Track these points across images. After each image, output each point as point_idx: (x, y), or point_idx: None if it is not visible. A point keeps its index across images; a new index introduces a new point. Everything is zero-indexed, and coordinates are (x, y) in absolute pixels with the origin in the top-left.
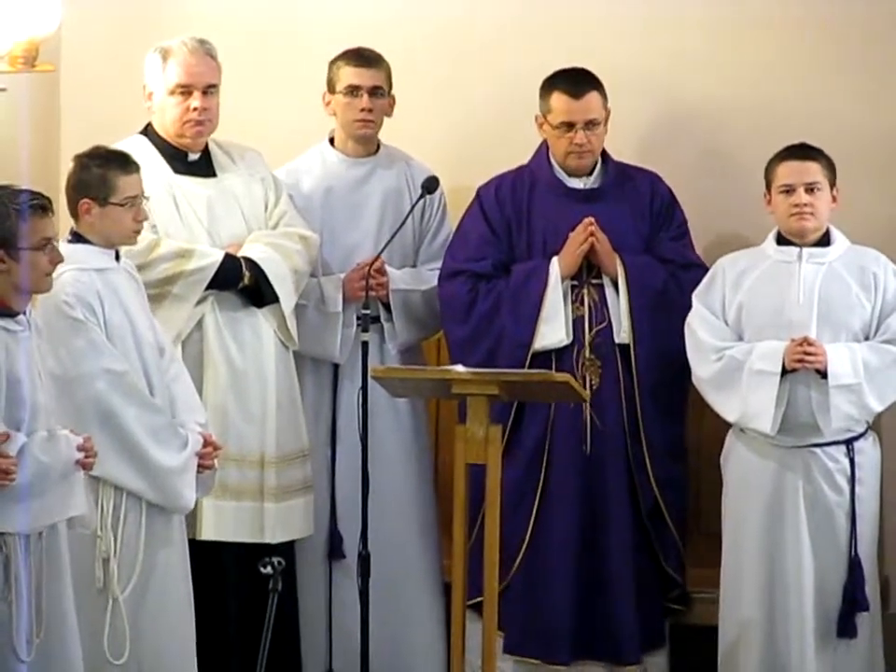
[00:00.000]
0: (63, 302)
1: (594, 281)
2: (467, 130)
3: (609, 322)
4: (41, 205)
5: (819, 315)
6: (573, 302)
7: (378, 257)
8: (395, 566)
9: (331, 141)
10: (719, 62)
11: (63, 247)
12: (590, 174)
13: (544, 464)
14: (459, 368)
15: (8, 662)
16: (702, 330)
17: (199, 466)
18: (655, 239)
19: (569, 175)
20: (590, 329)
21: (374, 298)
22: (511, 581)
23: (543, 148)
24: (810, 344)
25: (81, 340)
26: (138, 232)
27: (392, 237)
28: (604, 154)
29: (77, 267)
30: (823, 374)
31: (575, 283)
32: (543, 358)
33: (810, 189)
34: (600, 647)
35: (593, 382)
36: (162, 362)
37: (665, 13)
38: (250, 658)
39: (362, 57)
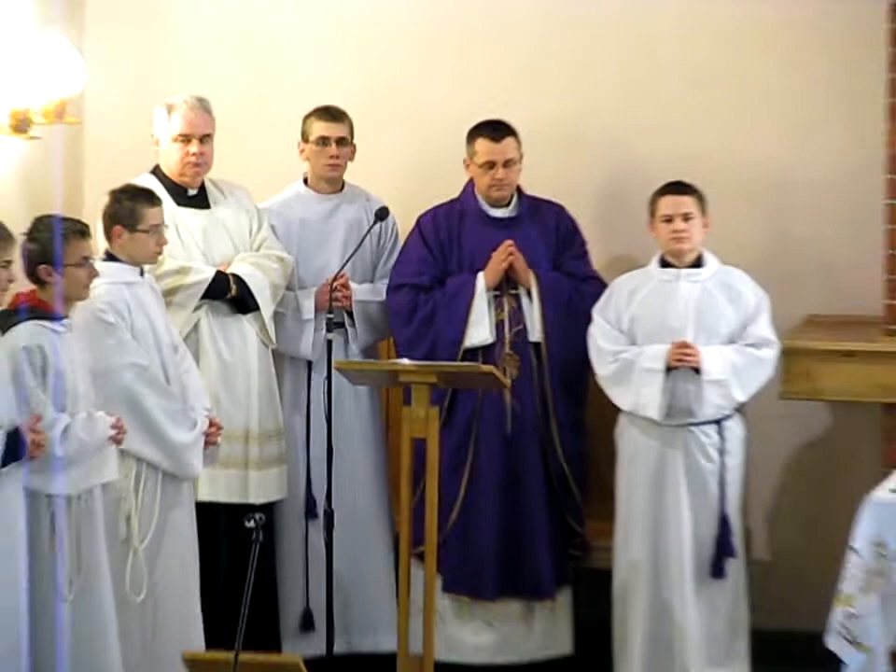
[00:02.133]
0: (98, 309)
1: (512, 291)
2: (414, 171)
3: (525, 325)
4: (80, 230)
5: (695, 324)
6: (495, 309)
7: (342, 274)
8: (355, 521)
9: (305, 180)
10: (618, 112)
11: (98, 265)
12: (508, 205)
13: (473, 439)
14: (405, 361)
15: (52, 600)
16: (601, 338)
17: (205, 442)
18: (561, 258)
19: (491, 206)
20: (509, 330)
21: (340, 307)
22: (448, 533)
23: (470, 185)
24: (688, 347)
25: (112, 339)
26: (159, 254)
27: (351, 256)
28: (519, 189)
29: (110, 281)
30: (698, 371)
31: (497, 293)
32: (472, 354)
33: (685, 218)
34: (520, 585)
35: (512, 373)
36: (176, 357)
37: (576, 70)
38: (237, 596)
39: (330, 113)
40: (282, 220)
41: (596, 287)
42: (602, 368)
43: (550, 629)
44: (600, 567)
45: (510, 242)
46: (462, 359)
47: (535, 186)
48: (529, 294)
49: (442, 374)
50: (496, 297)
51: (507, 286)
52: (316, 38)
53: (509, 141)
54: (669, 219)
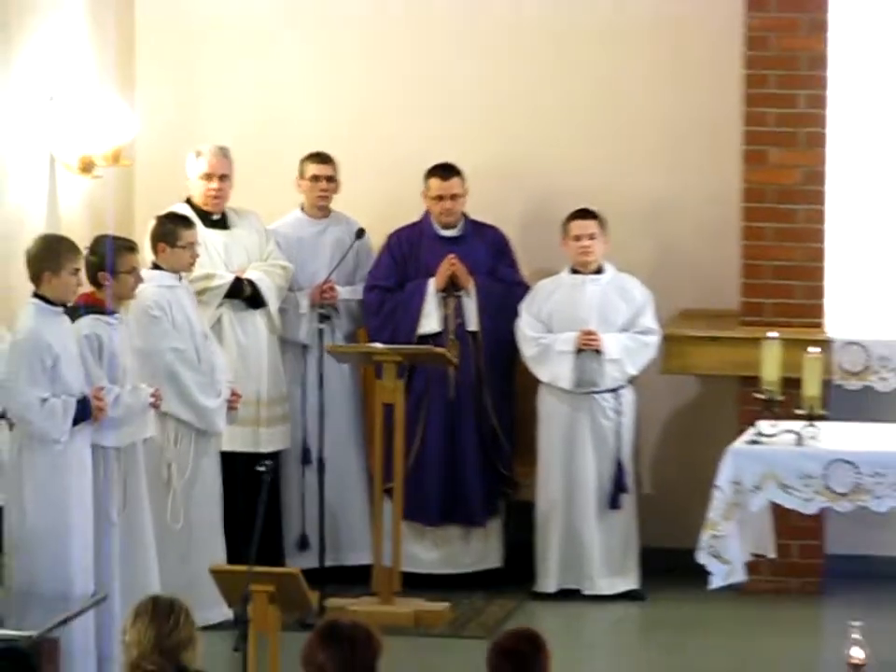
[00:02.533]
0: (147, 306)
1: (455, 293)
2: (385, 201)
3: (465, 318)
4: (130, 246)
5: (597, 316)
6: (443, 306)
7: (330, 279)
8: (340, 466)
9: (302, 208)
10: (543, 155)
11: (145, 273)
12: (455, 227)
13: (426, 403)
14: (378, 345)
15: (104, 524)
16: (526, 328)
17: (228, 407)
18: (496, 267)
19: (442, 228)
20: (453, 322)
21: (328, 304)
22: (407, 473)
23: (427, 212)
24: (592, 334)
25: (157, 328)
26: (193, 265)
27: (336, 266)
28: (464, 214)
29: (155, 285)
30: (600, 352)
31: (444, 294)
32: (424, 340)
33: (591, 237)
34: (459, 515)
35: (455, 354)
36: (206, 343)
37: (514, 121)
38: (250, 524)
39: (320, 157)
40: (284, 238)
41: (523, 289)
42: (527, 350)
43: (483, 548)
44: (527, 500)
45: (452, 255)
46: (416, 344)
47: (479, 211)
48: (469, 295)
49: (406, 355)
50: (443, 297)
51: (452, 288)
52: (313, 93)
53: (455, 180)
54: (578, 238)
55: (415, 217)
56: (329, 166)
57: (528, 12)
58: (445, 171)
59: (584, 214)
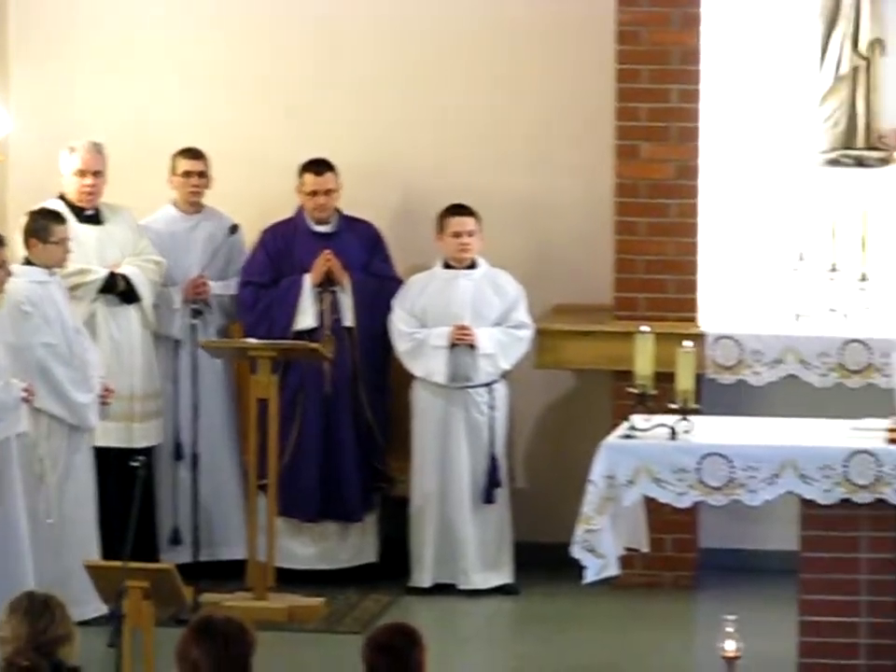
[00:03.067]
0: (18, 301)
1: (331, 289)
2: (259, 195)
3: (340, 313)
4: None
5: (471, 311)
6: (319, 301)
7: (202, 274)
8: (214, 461)
9: (174, 203)
10: (417, 154)
11: (18, 268)
12: (329, 223)
13: (301, 398)
14: (252, 340)
15: None
16: (400, 323)
17: (100, 402)
18: (370, 262)
19: (316, 223)
20: (329, 317)
21: (200, 299)
22: (282, 470)
23: (301, 208)
24: (465, 329)
25: (29, 324)
26: (66, 261)
27: (209, 261)
28: (338, 210)
29: (28, 280)
30: (473, 347)
31: (320, 290)
32: (300, 335)
33: (469, 234)
34: (336, 511)
35: (330, 349)
36: (79, 338)
37: (389, 120)
38: (124, 519)
39: (191, 152)
40: (156, 234)
41: (397, 284)
42: (401, 345)
43: (360, 543)
44: (401, 496)
45: (328, 251)
46: (293, 339)
47: (352, 206)
48: (344, 290)
49: (281, 350)
50: (318, 292)
51: (327, 284)
52: (186, 90)
53: (329, 175)
54: (458, 235)
55: (289, 213)
56: (200, 162)
57: (400, 10)
58: (319, 166)
59: (462, 210)
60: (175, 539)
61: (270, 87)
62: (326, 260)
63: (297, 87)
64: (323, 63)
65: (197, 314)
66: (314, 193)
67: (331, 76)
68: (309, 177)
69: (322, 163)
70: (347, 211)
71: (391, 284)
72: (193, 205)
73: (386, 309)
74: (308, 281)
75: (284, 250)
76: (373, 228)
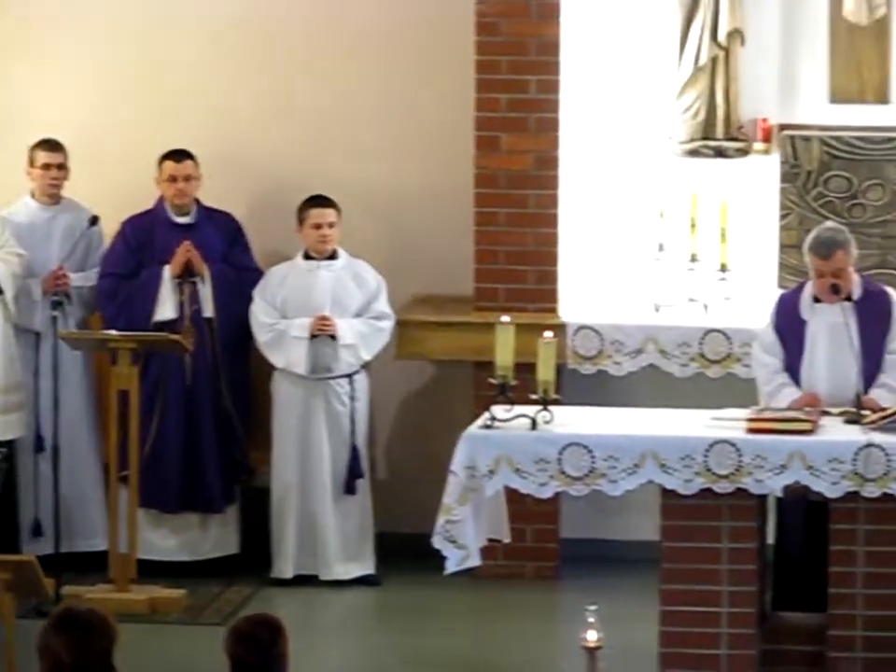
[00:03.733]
0: None
1: (191, 279)
2: (120, 186)
3: (200, 304)
4: None
5: (331, 302)
6: (179, 292)
7: (61, 266)
8: (75, 453)
9: (32, 195)
10: (274, 142)
11: None
12: (188, 214)
13: (161, 389)
14: (113, 332)
15: None
16: (260, 314)
17: None
18: (230, 253)
19: (176, 214)
20: (188, 308)
21: (60, 291)
22: (143, 462)
23: (161, 198)
24: (326, 320)
25: None
26: None
27: (70, 253)
28: (198, 201)
29: None
30: (334, 338)
31: (179, 281)
32: (160, 327)
33: (330, 225)
34: (197, 500)
35: (190, 340)
36: None
37: (247, 97)
38: None
39: (50, 144)
40: (16, 226)
41: (257, 275)
42: (261, 336)
43: (221, 535)
44: (263, 486)
45: (187, 242)
46: (154, 331)
47: (212, 198)
48: (204, 281)
49: (141, 342)
50: (179, 283)
51: (187, 275)
52: (47, 81)
53: (188, 162)
54: (318, 227)
55: (150, 206)
56: (59, 154)
57: (253, 4)
58: (178, 154)
59: (324, 202)
60: (37, 531)
61: (133, 77)
62: (185, 251)
63: (158, 78)
64: (182, 54)
65: (57, 305)
66: (173, 179)
67: (192, 67)
68: (168, 164)
69: (181, 152)
70: (208, 203)
71: (251, 274)
72: (52, 197)
73: (246, 300)
74: (167, 272)
75: (143, 241)
76: (233, 219)
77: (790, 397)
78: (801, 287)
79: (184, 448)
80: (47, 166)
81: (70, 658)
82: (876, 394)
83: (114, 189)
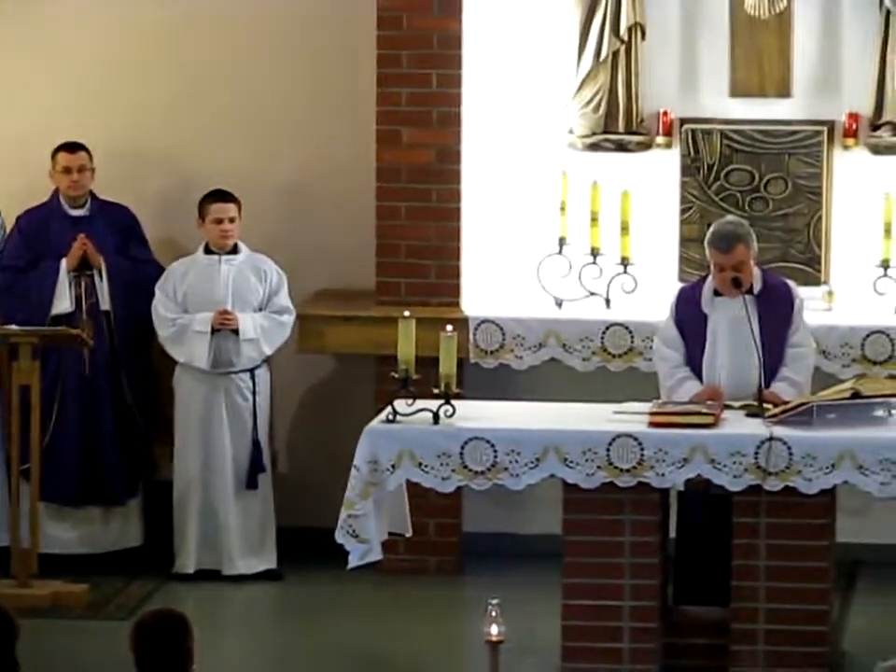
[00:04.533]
0: None
1: (87, 272)
2: (18, 180)
3: (97, 297)
4: None
5: (233, 296)
6: (76, 286)
7: None
8: None
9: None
10: (174, 133)
11: None
12: (83, 207)
13: (60, 382)
14: (14, 327)
15: None
16: (161, 308)
17: None
18: (126, 246)
19: (70, 207)
20: (86, 301)
21: None
22: (42, 455)
23: (56, 192)
24: (228, 314)
25: None
26: None
27: None
28: (92, 193)
29: None
30: (236, 332)
31: (76, 274)
32: (58, 320)
33: (230, 220)
34: (98, 493)
35: (89, 334)
36: None
37: (152, 99)
38: None
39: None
40: None
41: (154, 267)
42: (163, 331)
43: (124, 527)
44: (165, 479)
45: (83, 235)
46: (51, 324)
47: (109, 191)
48: (101, 274)
49: (41, 336)
50: (75, 277)
51: (84, 268)
52: None
53: (81, 153)
54: (219, 221)
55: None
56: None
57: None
58: (72, 145)
59: (224, 196)
60: None
61: (23, 66)
62: (81, 245)
63: (52, 64)
64: (88, 49)
65: None
66: (67, 170)
67: (95, 60)
68: (62, 155)
69: (75, 144)
70: (105, 195)
71: (148, 266)
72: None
73: (143, 292)
74: (64, 266)
75: (40, 234)
76: (128, 211)
77: (691, 391)
78: (702, 280)
79: (83, 441)
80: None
81: None
82: (778, 387)
83: (13, 186)
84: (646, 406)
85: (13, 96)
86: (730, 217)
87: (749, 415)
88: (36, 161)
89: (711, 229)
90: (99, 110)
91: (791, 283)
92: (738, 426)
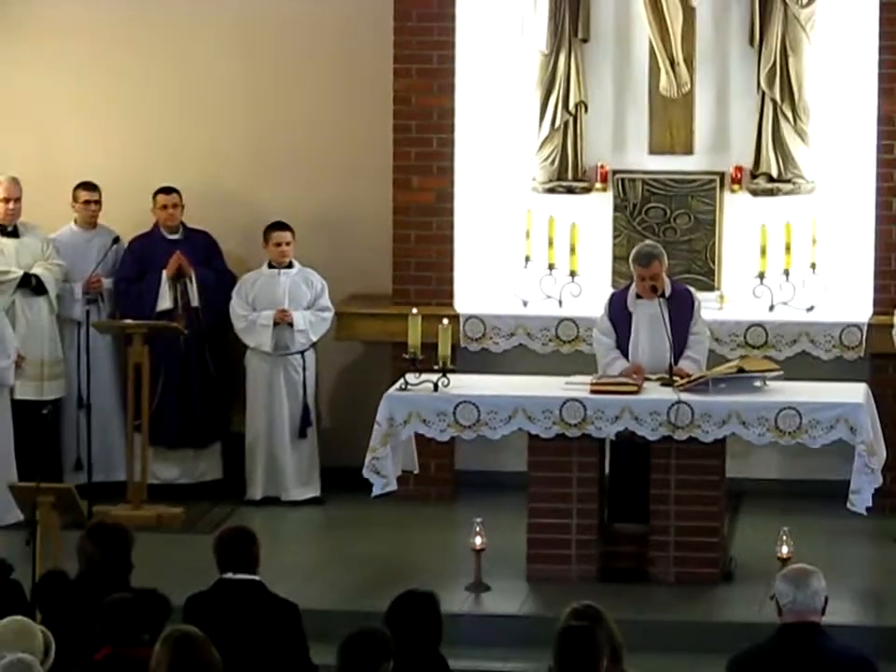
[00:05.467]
0: None
1: (182, 280)
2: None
3: (189, 298)
4: None
5: (289, 299)
6: (174, 289)
7: (96, 274)
8: (105, 409)
9: (75, 221)
10: (247, 176)
11: None
12: (177, 232)
13: (164, 359)
14: (129, 321)
15: None
16: (237, 308)
17: (15, 366)
18: (210, 261)
19: (167, 233)
20: (181, 301)
21: (95, 291)
22: (152, 412)
23: (156, 222)
24: (285, 312)
25: None
26: None
27: (98, 264)
28: (183, 222)
29: None
30: (292, 325)
31: (174, 280)
32: (162, 315)
33: (287, 244)
34: (190, 440)
35: (184, 325)
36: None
37: (228, 147)
38: (38, 451)
39: (89, 186)
40: (62, 244)
41: (230, 277)
42: (238, 324)
43: (208, 465)
44: (238, 432)
45: (178, 252)
46: (156, 319)
47: (198, 222)
48: (192, 281)
49: (150, 327)
50: (173, 282)
51: (179, 276)
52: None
53: (174, 195)
54: (279, 244)
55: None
56: (95, 192)
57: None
58: (167, 190)
59: (281, 226)
60: (77, 466)
61: (130, 121)
62: (177, 259)
63: (150, 121)
64: (181, 105)
65: (92, 302)
66: (164, 207)
67: (187, 114)
68: (160, 197)
69: (169, 188)
70: (192, 224)
71: (225, 276)
72: (91, 225)
73: (223, 295)
74: (165, 275)
75: (146, 253)
76: (210, 236)
77: (621, 367)
78: (627, 286)
79: (180, 403)
80: (87, 202)
81: (99, 557)
82: (684, 364)
83: (127, 218)
84: (588, 378)
85: (133, 144)
86: (648, 241)
87: (663, 385)
88: (138, 196)
89: (635, 249)
90: (186, 159)
91: (692, 289)
92: (655, 393)
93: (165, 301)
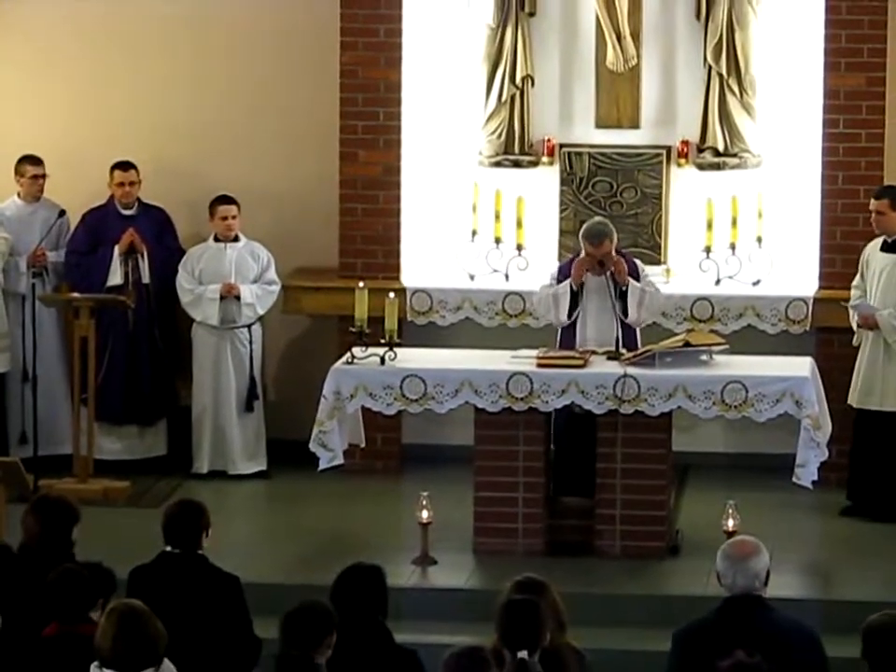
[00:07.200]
0: None
1: (133, 255)
2: (83, 194)
3: (140, 273)
4: None
5: (235, 272)
6: (125, 265)
7: (41, 247)
8: (50, 382)
9: (18, 195)
10: (198, 153)
11: None
12: (132, 208)
13: (112, 334)
14: (76, 294)
15: None
16: (183, 281)
17: None
18: (162, 236)
19: (122, 208)
20: (132, 276)
21: (40, 265)
22: (98, 387)
23: (111, 196)
24: (231, 285)
25: None
26: None
27: (44, 237)
28: (138, 197)
29: None
30: (239, 297)
31: (125, 256)
32: (111, 290)
33: (233, 217)
34: (136, 415)
35: (132, 300)
36: None
37: (180, 120)
38: None
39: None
40: (7, 218)
41: (180, 253)
42: (184, 298)
43: (154, 440)
44: (185, 405)
45: (132, 228)
46: (107, 293)
47: (153, 196)
48: (143, 257)
49: (97, 301)
50: (124, 258)
51: (131, 252)
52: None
53: (131, 171)
54: (224, 218)
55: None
56: (40, 167)
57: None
58: (125, 165)
59: (227, 199)
60: (22, 440)
61: (76, 95)
62: (130, 235)
63: (97, 96)
64: (148, 83)
65: (37, 275)
66: (121, 184)
67: (151, 91)
68: (117, 173)
69: (127, 163)
70: (148, 200)
71: (177, 253)
72: (35, 198)
73: (174, 271)
74: (117, 250)
75: (99, 227)
76: (164, 211)
77: (565, 288)
78: (571, 260)
79: (126, 378)
80: (34, 177)
81: (40, 531)
82: (633, 284)
83: (76, 190)
84: (535, 352)
85: (78, 117)
86: (598, 218)
87: (609, 359)
88: (94, 170)
89: (585, 226)
90: (143, 133)
91: (638, 261)
92: (601, 366)
93: (116, 277)
